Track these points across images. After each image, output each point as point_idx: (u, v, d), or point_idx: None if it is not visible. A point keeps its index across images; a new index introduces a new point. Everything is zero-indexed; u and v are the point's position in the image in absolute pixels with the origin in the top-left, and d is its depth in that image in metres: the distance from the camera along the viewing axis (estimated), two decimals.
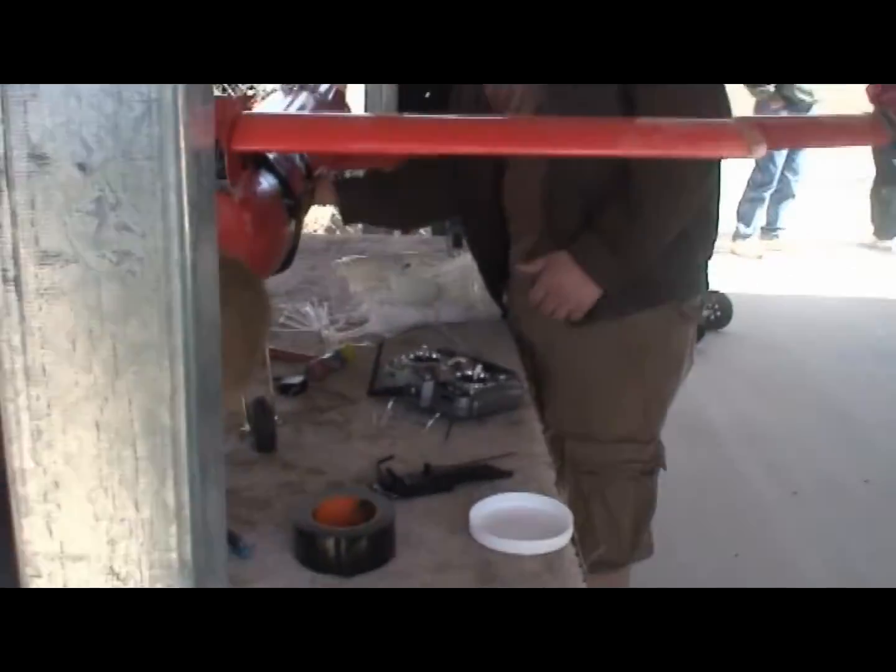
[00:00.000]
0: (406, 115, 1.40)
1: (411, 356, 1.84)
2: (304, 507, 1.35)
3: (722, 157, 1.32)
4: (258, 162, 1.42)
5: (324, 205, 2.30)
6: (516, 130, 1.31)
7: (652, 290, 1.95)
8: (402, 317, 2.14)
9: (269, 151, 1.36)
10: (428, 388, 1.72)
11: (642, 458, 2.04)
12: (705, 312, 4.90)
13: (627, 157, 1.57)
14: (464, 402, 1.69)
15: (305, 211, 1.75)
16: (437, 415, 1.71)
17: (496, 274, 2.15)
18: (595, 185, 1.88)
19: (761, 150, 1.32)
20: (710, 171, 1.87)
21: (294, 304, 2.28)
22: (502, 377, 1.77)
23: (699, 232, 1.98)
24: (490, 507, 1.42)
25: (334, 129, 1.35)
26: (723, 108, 1.79)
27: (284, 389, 1.82)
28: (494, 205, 2.07)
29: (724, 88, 1.82)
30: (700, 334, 4.60)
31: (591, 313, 1.94)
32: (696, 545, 3.08)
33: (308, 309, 2.21)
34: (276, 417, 1.64)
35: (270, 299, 1.13)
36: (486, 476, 1.54)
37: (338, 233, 2.95)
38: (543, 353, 2.09)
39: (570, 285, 1.91)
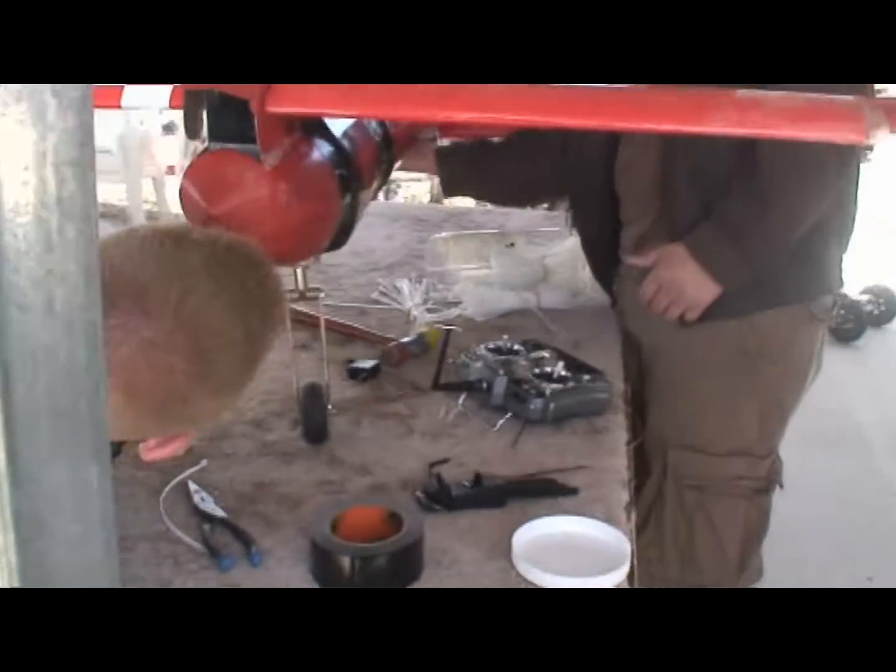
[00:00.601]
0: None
1: (491, 346, 1.67)
2: (326, 514, 1.21)
3: (833, 141, 1.10)
4: (309, 127, 1.28)
5: (426, 173, 2.16)
6: (586, 99, 1.13)
7: (778, 288, 1.72)
8: (498, 300, 1.97)
9: (307, 115, 1.22)
10: (500, 384, 1.55)
11: (757, 474, 1.82)
12: (868, 307, 4.53)
13: (720, 136, 1.35)
14: (538, 402, 1.52)
15: (382, 183, 1.60)
16: (509, 415, 1.55)
17: (605, 260, 1.95)
18: (717, 169, 1.66)
19: (882, 135, 1.10)
20: (850, 155, 1.62)
21: (392, 279, 2.14)
22: (587, 377, 1.58)
23: (834, 224, 1.73)
24: (538, 531, 1.24)
25: (378, 93, 1.20)
26: None
27: (354, 374, 1.69)
28: (606, 185, 1.87)
29: None
30: (859, 331, 4.29)
31: (707, 312, 1.73)
32: (827, 566, 2.80)
33: (404, 285, 2.07)
34: (329, 406, 1.51)
35: (280, 286, 0.98)
36: (546, 492, 1.36)
37: (446, 203, 2.77)
38: (650, 352, 1.89)
39: (686, 281, 1.70)
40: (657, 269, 1.73)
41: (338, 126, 1.36)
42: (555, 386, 1.54)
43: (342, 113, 1.23)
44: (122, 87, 1.22)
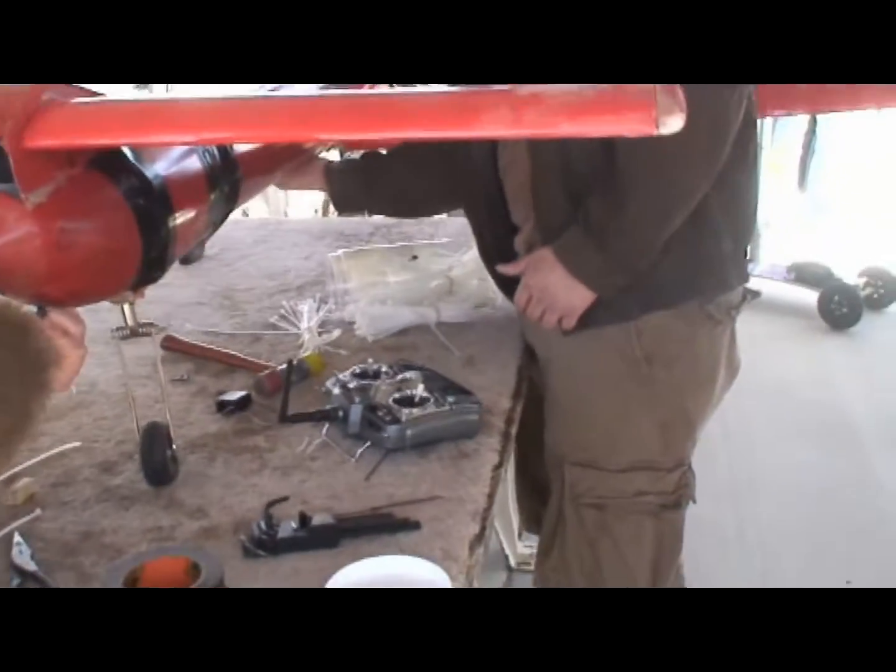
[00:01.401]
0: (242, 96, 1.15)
1: (357, 370, 1.59)
2: (123, 567, 1.13)
3: (620, 135, 1.00)
4: (99, 157, 1.21)
5: (317, 190, 2.09)
6: (349, 109, 1.04)
7: (660, 289, 1.61)
8: (391, 318, 1.88)
9: (72, 148, 1.14)
10: (355, 412, 1.47)
11: (662, 488, 1.70)
12: (867, 290, 4.36)
13: (497, 139, 1.26)
14: (392, 430, 1.43)
15: (228, 208, 1.52)
16: (367, 444, 1.46)
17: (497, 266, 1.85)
18: (587, 166, 1.56)
19: (676, 123, 1.00)
20: (721, 136, 1.50)
21: (297, 301, 2.07)
22: (451, 399, 1.49)
23: (725, 215, 1.61)
24: (358, 575, 1.15)
25: (145, 116, 1.13)
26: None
27: (221, 406, 1.62)
28: (495, 189, 1.77)
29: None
30: (854, 317, 4.12)
31: (584, 319, 1.62)
32: (804, 567, 2.67)
33: (305, 307, 1.99)
34: (173, 446, 1.43)
35: (49, 350, 0.93)
36: (384, 528, 1.28)
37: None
38: (543, 363, 1.78)
39: (556, 288, 1.60)
40: (526, 276, 1.64)
41: (145, 153, 1.29)
42: (413, 411, 1.46)
43: (106, 143, 1.14)
44: None
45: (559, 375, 1.73)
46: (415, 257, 2.02)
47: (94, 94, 1.24)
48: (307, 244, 2.49)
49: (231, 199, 1.52)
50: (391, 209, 2.09)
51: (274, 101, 1.11)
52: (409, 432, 1.44)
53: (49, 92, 1.14)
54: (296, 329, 1.93)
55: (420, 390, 1.49)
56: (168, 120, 1.09)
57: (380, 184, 1.90)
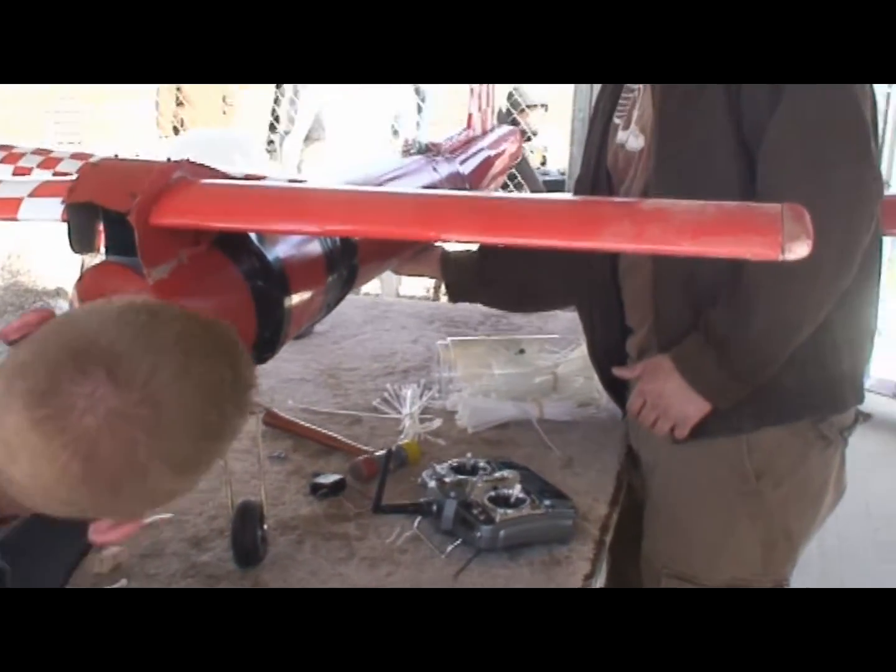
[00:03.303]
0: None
1: (454, 463, 1.57)
2: None
3: (743, 258, 0.98)
4: (224, 237, 1.24)
5: (432, 278, 2.10)
6: (474, 212, 1.04)
7: (777, 404, 1.57)
8: (493, 411, 1.87)
9: (199, 228, 1.17)
10: (449, 507, 1.44)
11: None
12: None
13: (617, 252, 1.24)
14: (485, 530, 1.41)
15: (343, 291, 1.54)
16: (459, 541, 1.44)
17: (612, 369, 1.83)
18: (706, 277, 1.53)
19: (802, 250, 0.97)
20: (851, 256, 1.46)
21: (401, 385, 2.07)
22: (548, 502, 1.46)
23: (845, 331, 1.57)
24: None
25: (271, 204, 1.15)
26: (859, 111, 1.42)
27: (314, 489, 1.62)
28: (612, 290, 1.76)
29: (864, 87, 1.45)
30: None
31: (697, 429, 1.59)
32: None
33: (408, 392, 1.98)
34: (265, 526, 1.43)
35: (253, 371, 0.94)
36: None
37: None
38: (647, 469, 1.75)
39: (671, 396, 1.57)
40: (642, 381, 1.61)
41: (268, 234, 1.32)
42: (508, 511, 1.43)
43: (231, 227, 1.17)
44: (21, 200, 1.21)
45: (664, 483, 1.69)
46: (522, 351, 2.00)
47: (223, 174, 1.27)
48: (416, 327, 2.51)
49: (348, 284, 1.54)
50: (505, 303, 2.09)
51: (400, 199, 1.12)
52: (502, 533, 1.41)
53: (179, 171, 1.18)
54: (397, 414, 1.92)
55: (517, 490, 1.46)
56: (294, 210, 1.11)
57: (496, 278, 1.90)
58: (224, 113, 7.21)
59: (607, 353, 1.82)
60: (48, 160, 2.54)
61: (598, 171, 1.73)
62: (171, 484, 0.89)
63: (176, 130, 7.07)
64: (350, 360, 2.28)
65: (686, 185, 1.50)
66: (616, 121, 1.70)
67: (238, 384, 0.90)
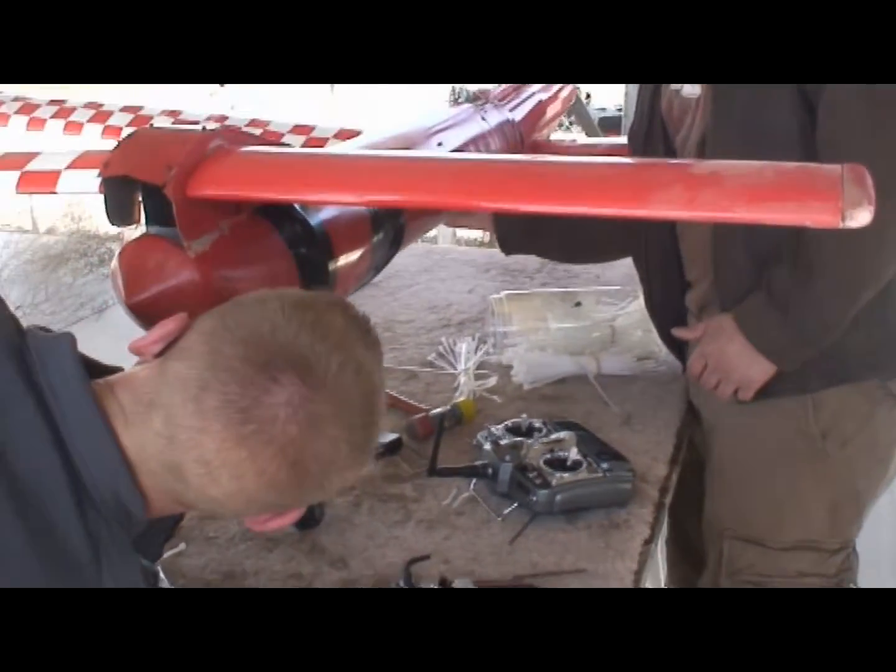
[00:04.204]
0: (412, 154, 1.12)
1: (509, 424, 1.54)
2: None
3: (802, 225, 0.92)
4: (265, 205, 1.21)
5: (483, 231, 2.05)
6: (518, 179, 1.00)
7: (844, 363, 1.51)
8: (550, 366, 1.83)
9: (237, 199, 1.14)
10: (505, 471, 1.42)
11: (824, 571, 1.59)
12: None
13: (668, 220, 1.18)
14: (542, 494, 1.38)
15: (390, 252, 1.50)
16: (515, 505, 1.42)
17: (671, 323, 1.77)
18: (768, 233, 1.47)
19: (863, 217, 0.92)
20: None
21: (456, 338, 2.04)
22: (605, 465, 1.43)
23: None
24: None
25: (310, 173, 1.11)
26: None
27: None
28: (671, 244, 1.70)
29: None
30: None
31: (762, 389, 1.53)
32: None
33: (462, 347, 1.96)
34: None
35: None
36: None
37: None
38: (709, 428, 1.70)
39: (734, 358, 1.52)
40: (703, 342, 1.56)
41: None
42: (565, 475, 1.40)
43: (268, 198, 1.14)
44: (59, 173, 1.19)
45: (726, 444, 1.64)
46: (578, 304, 1.96)
47: (261, 140, 1.24)
48: (472, 276, 2.47)
49: (395, 244, 1.51)
50: (558, 255, 2.04)
51: (443, 166, 1.08)
52: (558, 497, 1.38)
53: (216, 139, 1.14)
54: (452, 369, 1.90)
55: (573, 453, 1.43)
56: (334, 179, 1.08)
57: (548, 230, 1.84)
58: None
59: (665, 306, 1.77)
60: (99, 114, 2.53)
61: (652, 120, 1.67)
62: (360, 469, 0.90)
63: None
64: (405, 311, 2.26)
65: (745, 134, 1.43)
66: None
67: (379, 358, 0.92)
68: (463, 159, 1.16)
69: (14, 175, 1.27)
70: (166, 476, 0.84)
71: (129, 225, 1.14)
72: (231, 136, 1.17)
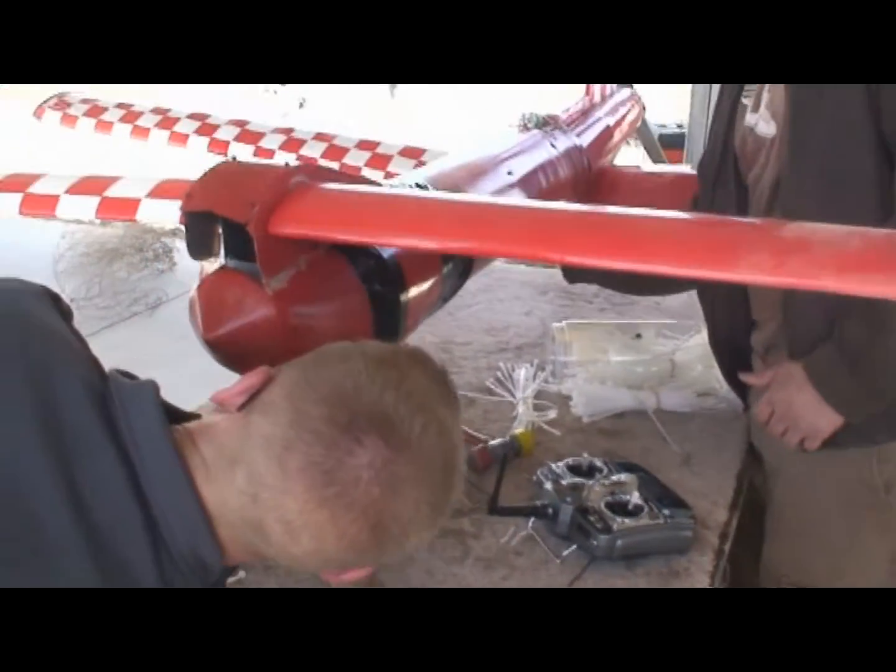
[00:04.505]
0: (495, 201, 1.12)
1: (570, 462, 1.53)
2: None
3: (890, 297, 0.91)
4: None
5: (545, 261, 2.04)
6: (589, 232, 0.99)
7: None
8: (609, 400, 1.82)
9: (318, 238, 1.14)
10: (566, 512, 1.41)
11: None
12: None
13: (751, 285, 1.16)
14: (602, 539, 1.37)
15: (458, 283, 1.50)
16: (574, 547, 1.41)
17: (735, 362, 1.76)
18: None
19: None
20: None
21: (514, 365, 2.02)
22: (667, 511, 1.42)
23: None
24: None
25: (392, 216, 1.11)
26: None
27: None
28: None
29: None
30: None
31: (829, 438, 1.51)
32: None
33: (521, 373, 1.95)
34: None
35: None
36: None
37: None
38: (770, 471, 1.68)
39: (803, 408, 1.50)
40: (772, 390, 1.54)
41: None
42: (626, 520, 1.39)
43: (348, 239, 1.13)
44: (139, 201, 1.19)
45: (788, 490, 1.62)
46: (639, 335, 1.94)
47: (339, 175, 1.24)
48: (530, 297, 2.46)
49: (464, 274, 1.51)
50: (622, 287, 2.03)
51: (525, 214, 1.07)
52: (619, 543, 1.37)
53: (298, 175, 1.14)
54: (511, 397, 1.89)
55: (635, 497, 1.42)
56: (415, 224, 1.07)
57: None
58: None
59: (729, 345, 1.75)
60: (165, 119, 2.54)
61: (724, 155, 1.65)
62: (438, 528, 0.90)
63: None
64: (464, 332, 2.25)
65: (822, 178, 1.42)
66: (744, 101, 1.61)
67: (458, 415, 0.91)
68: (545, 208, 1.14)
69: (17, 197, 1.29)
70: (246, 530, 0.84)
71: (209, 258, 1.14)
72: (311, 171, 1.16)
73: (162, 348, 4.22)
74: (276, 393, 0.87)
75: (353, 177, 1.25)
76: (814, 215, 1.41)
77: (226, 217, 1.08)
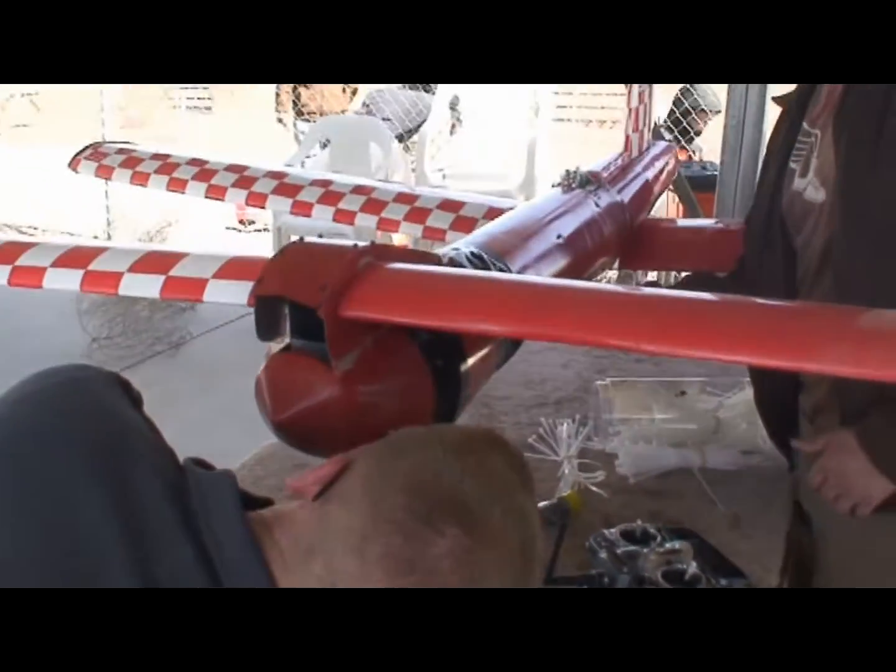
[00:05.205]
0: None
1: (623, 528, 1.53)
2: None
3: None
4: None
5: None
6: (665, 321, 1.00)
7: None
8: (656, 459, 1.82)
9: (388, 322, 1.14)
10: (622, 583, 1.41)
11: None
12: None
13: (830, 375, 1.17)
14: None
15: (511, 350, 1.51)
16: None
17: (781, 423, 1.76)
18: None
19: None
20: None
21: (556, 420, 2.02)
22: (724, 581, 1.41)
23: None
24: None
25: (461, 300, 1.12)
26: None
27: None
28: None
29: None
30: None
31: (881, 505, 1.51)
32: None
33: (563, 429, 1.95)
34: None
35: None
36: None
37: None
38: (819, 534, 1.67)
39: (855, 476, 1.50)
40: (825, 457, 1.54)
41: None
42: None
43: (422, 324, 1.14)
44: (206, 281, 1.20)
45: (836, 553, 1.62)
46: (682, 393, 1.95)
47: (408, 253, 1.25)
48: (565, 349, 2.46)
49: (517, 341, 1.51)
50: None
51: (598, 299, 1.07)
52: None
53: (366, 256, 1.15)
54: (554, 455, 1.89)
55: (692, 567, 1.41)
56: (486, 309, 1.08)
57: None
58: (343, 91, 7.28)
59: (776, 405, 1.75)
60: (203, 172, 2.56)
61: (771, 217, 1.66)
62: None
63: (295, 104, 7.17)
64: (501, 386, 2.25)
65: (877, 245, 1.42)
66: (792, 165, 1.62)
67: (535, 499, 0.93)
68: (619, 293, 1.15)
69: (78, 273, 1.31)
70: None
71: (277, 339, 1.15)
72: (379, 251, 1.17)
73: (184, 385, 4.24)
74: (353, 482, 0.87)
75: (419, 253, 1.25)
76: (868, 281, 1.42)
77: (297, 301, 1.09)
